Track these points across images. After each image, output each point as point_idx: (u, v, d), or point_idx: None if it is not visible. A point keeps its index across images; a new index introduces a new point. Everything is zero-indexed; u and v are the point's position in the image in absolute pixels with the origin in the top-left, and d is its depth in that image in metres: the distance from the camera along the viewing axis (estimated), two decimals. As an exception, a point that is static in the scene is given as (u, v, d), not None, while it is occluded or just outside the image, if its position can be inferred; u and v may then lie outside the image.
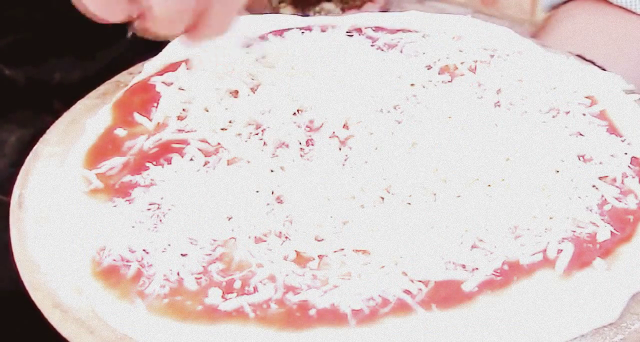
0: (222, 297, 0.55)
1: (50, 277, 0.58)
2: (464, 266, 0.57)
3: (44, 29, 0.86)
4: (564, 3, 1.03)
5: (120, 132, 0.68)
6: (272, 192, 0.62)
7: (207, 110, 0.69)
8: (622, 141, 0.69)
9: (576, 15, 0.99)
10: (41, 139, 0.70)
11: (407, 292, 0.55)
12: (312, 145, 0.67)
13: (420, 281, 0.56)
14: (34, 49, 0.87)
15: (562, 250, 0.58)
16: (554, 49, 0.84)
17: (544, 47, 0.84)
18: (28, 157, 0.68)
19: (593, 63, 0.84)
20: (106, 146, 0.67)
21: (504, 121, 0.70)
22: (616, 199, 0.63)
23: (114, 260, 0.57)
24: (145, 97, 0.71)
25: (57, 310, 0.56)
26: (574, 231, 0.60)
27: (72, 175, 0.64)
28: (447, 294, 0.55)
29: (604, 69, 0.83)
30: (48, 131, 0.70)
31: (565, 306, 0.56)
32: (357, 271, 0.56)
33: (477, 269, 0.57)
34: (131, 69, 0.78)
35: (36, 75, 0.87)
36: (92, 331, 0.54)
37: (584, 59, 0.85)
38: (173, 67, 0.75)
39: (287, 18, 0.83)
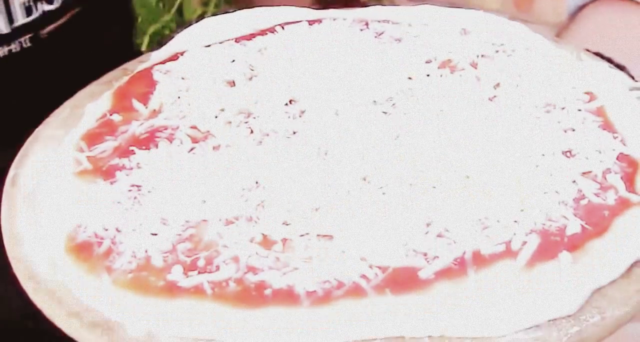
0: (184, 274, 0.57)
1: (29, 251, 0.62)
2: (425, 255, 0.58)
3: None
4: (590, 2, 1.02)
5: (116, 117, 0.71)
6: (251, 178, 0.64)
7: (202, 99, 0.72)
8: (615, 138, 0.68)
9: (600, 13, 0.98)
10: (43, 122, 0.74)
11: (364, 276, 0.56)
12: (298, 134, 0.69)
13: (378, 267, 0.57)
14: None
15: (526, 242, 0.59)
16: (566, 44, 0.84)
17: (556, 42, 0.84)
18: (28, 140, 0.72)
19: (611, 61, 0.83)
20: (101, 130, 0.70)
21: (494, 115, 0.71)
22: (595, 194, 0.63)
23: (88, 237, 0.60)
24: (145, 85, 0.75)
25: (31, 281, 0.59)
26: (544, 224, 0.60)
27: (65, 156, 0.67)
28: (402, 280, 0.56)
29: (621, 67, 0.82)
30: (51, 115, 0.74)
31: (523, 297, 0.56)
32: (318, 254, 0.58)
33: (437, 257, 0.58)
34: (141, 58, 0.81)
35: None
36: (60, 302, 0.58)
37: (602, 56, 0.84)
38: (177, 57, 0.78)
39: (298, 11, 0.85)
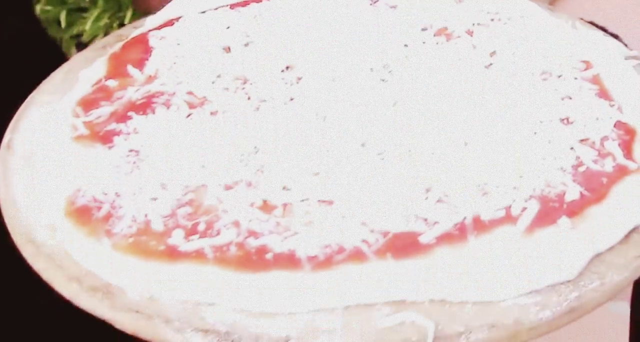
0: (185, 238, 0.57)
1: (28, 215, 0.61)
2: (425, 220, 0.58)
3: None
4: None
5: (112, 83, 0.71)
6: (250, 143, 0.64)
7: (198, 65, 0.71)
8: (611, 106, 0.69)
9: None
10: (37, 88, 0.73)
11: (365, 241, 0.56)
12: (295, 100, 0.69)
13: (379, 232, 0.57)
14: None
15: (526, 208, 0.59)
16: (561, 13, 0.84)
17: (550, 11, 0.84)
18: (22, 105, 0.71)
19: (604, 30, 0.83)
20: (97, 96, 0.69)
21: (491, 83, 0.71)
22: (593, 161, 0.63)
23: (87, 201, 0.60)
24: (140, 51, 0.74)
25: (30, 245, 0.59)
26: (543, 190, 0.61)
27: (61, 121, 0.67)
28: (403, 245, 0.56)
29: (615, 36, 0.82)
30: (45, 81, 0.74)
31: (523, 262, 0.56)
32: (319, 219, 0.58)
33: (438, 222, 0.58)
34: (135, 23, 0.80)
35: None
36: (60, 266, 0.57)
37: (596, 25, 0.84)
38: (172, 23, 0.77)
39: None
